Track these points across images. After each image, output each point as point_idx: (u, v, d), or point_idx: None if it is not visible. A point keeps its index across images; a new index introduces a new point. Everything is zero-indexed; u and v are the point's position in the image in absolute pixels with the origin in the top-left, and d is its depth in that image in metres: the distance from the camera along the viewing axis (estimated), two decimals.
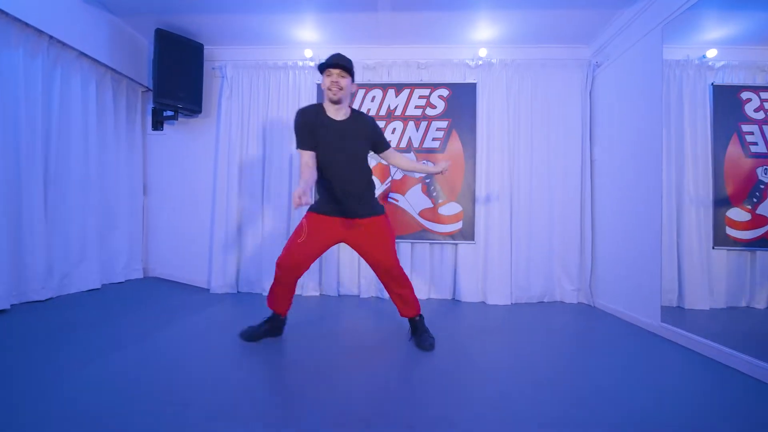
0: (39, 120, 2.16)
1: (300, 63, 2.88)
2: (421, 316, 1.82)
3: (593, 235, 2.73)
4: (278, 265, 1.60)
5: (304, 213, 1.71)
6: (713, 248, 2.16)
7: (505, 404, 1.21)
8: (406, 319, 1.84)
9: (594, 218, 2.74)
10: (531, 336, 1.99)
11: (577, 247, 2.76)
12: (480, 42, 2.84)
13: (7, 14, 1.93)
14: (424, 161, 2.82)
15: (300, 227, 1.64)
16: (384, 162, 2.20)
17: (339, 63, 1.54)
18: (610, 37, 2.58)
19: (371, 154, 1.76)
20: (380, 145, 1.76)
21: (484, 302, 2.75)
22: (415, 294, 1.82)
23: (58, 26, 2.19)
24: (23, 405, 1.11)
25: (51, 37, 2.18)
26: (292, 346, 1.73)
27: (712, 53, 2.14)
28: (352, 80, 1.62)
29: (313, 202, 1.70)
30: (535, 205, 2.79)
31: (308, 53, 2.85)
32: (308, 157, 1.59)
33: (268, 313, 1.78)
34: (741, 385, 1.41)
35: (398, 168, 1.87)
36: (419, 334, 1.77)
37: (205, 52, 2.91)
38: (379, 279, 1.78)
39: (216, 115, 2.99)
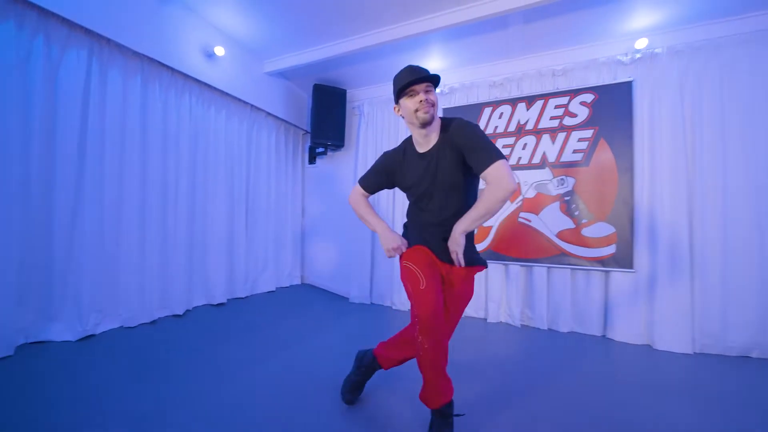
0: (244, 167, 3.00)
1: None
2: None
3: None
4: (420, 329, 1.10)
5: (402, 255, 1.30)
6: None
7: None
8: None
9: None
10: (733, 407, 1.49)
11: None
12: (636, 32, 2.39)
13: (230, 96, 2.78)
14: (561, 177, 2.54)
15: (411, 274, 1.19)
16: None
17: (425, 76, 1.18)
18: None
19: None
20: (474, 159, 1.15)
21: (649, 346, 2.22)
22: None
23: (256, 96, 3.01)
24: (231, 381, 1.55)
25: (252, 106, 3.01)
26: None
27: None
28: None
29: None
30: (734, 228, 2.10)
31: None
32: (360, 194, 1.39)
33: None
34: None
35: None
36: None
37: (347, 94, 3.44)
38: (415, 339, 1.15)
39: (355, 147, 3.47)
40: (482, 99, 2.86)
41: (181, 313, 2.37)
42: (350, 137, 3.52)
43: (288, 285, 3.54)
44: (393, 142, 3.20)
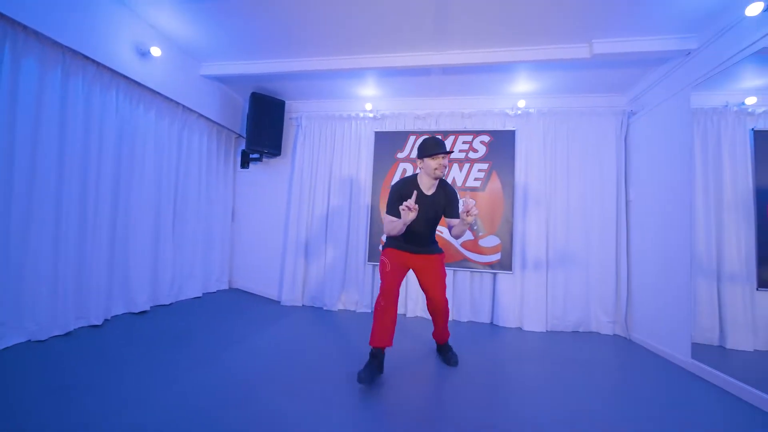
0: (174, 169, 2.90)
1: (361, 114, 3.44)
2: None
3: (629, 271, 2.90)
4: (380, 294, 1.83)
5: (382, 251, 2.06)
6: (757, 290, 2.27)
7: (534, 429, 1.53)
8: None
9: (630, 255, 2.91)
10: (564, 365, 2.23)
11: (613, 282, 2.93)
12: (519, 94, 3.20)
13: (161, 95, 2.69)
14: (464, 199, 3.19)
15: (383, 262, 1.96)
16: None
17: (444, 148, 1.85)
18: (645, 89, 2.82)
19: None
20: (451, 212, 1.96)
21: (520, 328, 3.00)
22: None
23: (189, 98, 2.95)
24: (163, 391, 1.65)
25: (184, 106, 2.94)
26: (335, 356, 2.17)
27: (751, 100, 2.31)
28: None
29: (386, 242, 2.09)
30: (572, 241, 3.02)
31: (368, 106, 3.41)
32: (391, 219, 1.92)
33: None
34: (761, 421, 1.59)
35: (451, 234, 1.97)
36: (445, 352, 2.16)
37: (286, 105, 3.58)
38: (428, 307, 2.12)
39: (291, 156, 3.64)
40: (408, 128, 3.37)
41: (99, 323, 2.22)
42: (287, 146, 3.67)
43: (215, 290, 3.48)
44: (330, 157, 3.49)
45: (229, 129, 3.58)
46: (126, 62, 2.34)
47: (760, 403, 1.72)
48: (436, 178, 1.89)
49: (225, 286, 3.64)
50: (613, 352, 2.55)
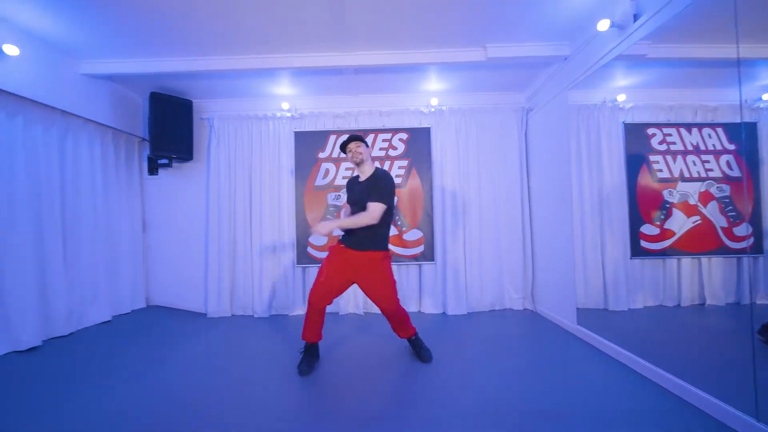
0: (57, 183, 2.55)
1: (278, 114, 3.32)
2: (416, 335, 2.21)
3: (533, 252, 3.26)
4: (308, 300, 2.00)
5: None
6: (630, 259, 2.71)
7: (446, 395, 1.69)
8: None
9: (533, 237, 3.28)
10: (478, 340, 2.50)
11: (521, 262, 3.28)
12: (432, 92, 3.34)
13: (28, 99, 2.32)
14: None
15: (322, 266, 2.07)
16: None
17: (351, 137, 2.08)
18: (537, 89, 3.12)
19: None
20: (369, 195, 1.97)
21: (444, 313, 3.24)
22: (409, 319, 2.17)
23: (68, 101, 2.58)
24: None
25: (63, 111, 2.57)
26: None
27: (621, 98, 2.69)
28: (366, 146, 2.11)
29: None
30: (485, 228, 3.30)
31: (285, 106, 3.30)
32: (345, 206, 2.27)
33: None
34: (625, 376, 1.94)
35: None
36: (417, 348, 2.17)
37: (194, 105, 3.32)
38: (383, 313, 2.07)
39: (206, 160, 3.40)
40: (328, 127, 3.35)
41: None
42: (200, 150, 3.42)
43: (130, 310, 3.19)
44: (248, 159, 3.34)
45: (129, 133, 3.22)
46: None
47: (627, 361, 2.09)
48: (356, 164, 2.10)
49: (142, 305, 3.36)
50: (522, 325, 2.89)
